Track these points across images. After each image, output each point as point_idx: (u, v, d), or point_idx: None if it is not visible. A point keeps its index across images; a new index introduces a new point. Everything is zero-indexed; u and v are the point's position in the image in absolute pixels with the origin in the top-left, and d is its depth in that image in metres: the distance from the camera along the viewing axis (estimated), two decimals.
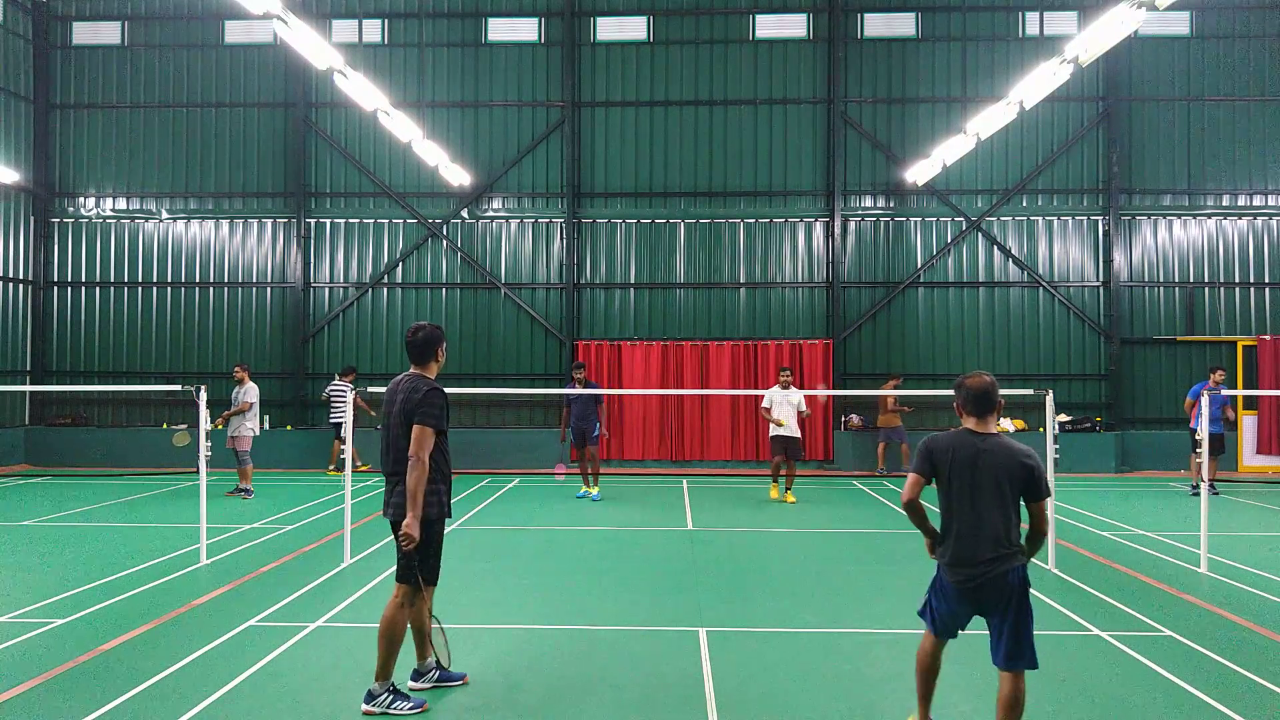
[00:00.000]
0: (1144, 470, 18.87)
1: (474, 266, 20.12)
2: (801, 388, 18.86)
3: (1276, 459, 18.83)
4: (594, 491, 14.58)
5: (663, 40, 20.20)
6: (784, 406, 14.48)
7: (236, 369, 15.16)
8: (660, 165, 20.15)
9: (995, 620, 4.61)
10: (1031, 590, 4.69)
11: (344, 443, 17.42)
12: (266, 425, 18.58)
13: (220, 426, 14.46)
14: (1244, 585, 8.72)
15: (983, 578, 4.58)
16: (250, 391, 14.77)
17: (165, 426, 19.89)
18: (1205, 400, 9.56)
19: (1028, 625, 4.57)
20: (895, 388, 18.31)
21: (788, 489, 14.55)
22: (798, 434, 14.56)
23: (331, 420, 18.23)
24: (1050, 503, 9.44)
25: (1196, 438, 14.42)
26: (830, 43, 19.89)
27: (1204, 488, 9.55)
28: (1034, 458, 4.58)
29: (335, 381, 18.15)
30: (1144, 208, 19.72)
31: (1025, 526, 4.76)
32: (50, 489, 15.70)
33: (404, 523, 5.34)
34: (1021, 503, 4.64)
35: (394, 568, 5.77)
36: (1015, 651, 4.55)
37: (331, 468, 18.16)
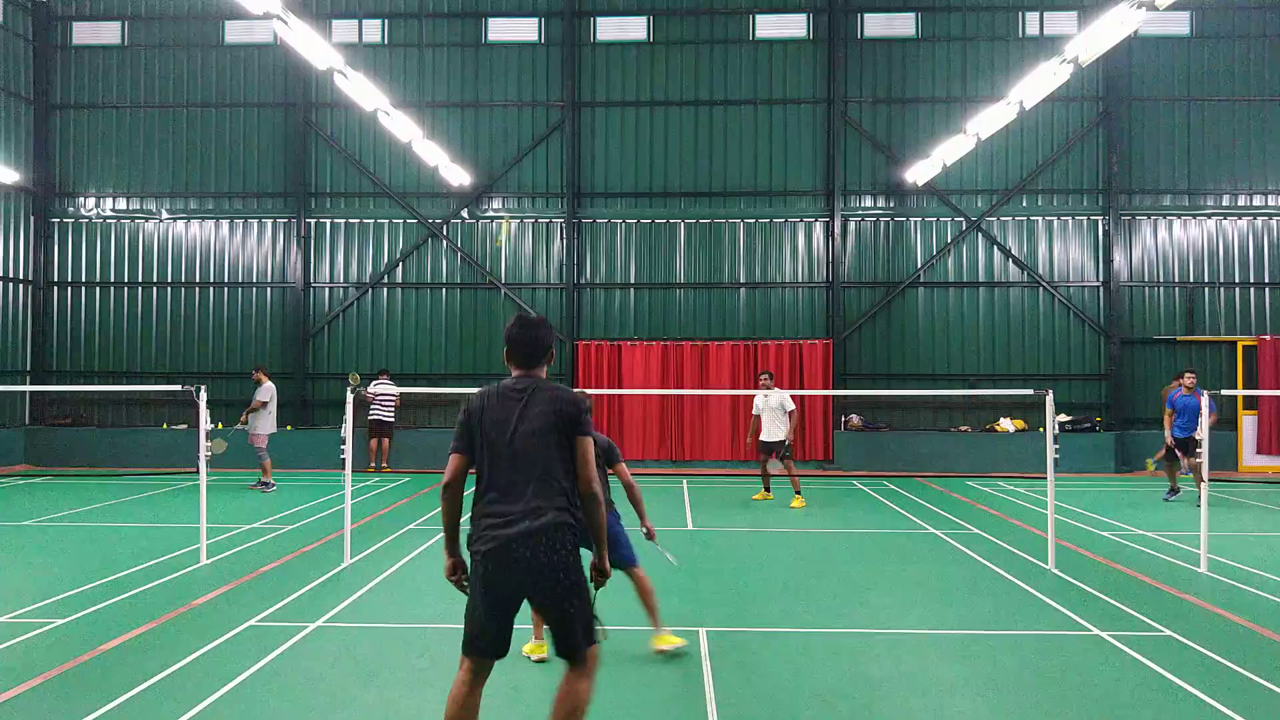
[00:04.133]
0: (1144, 470, 18.85)
1: (474, 266, 20.12)
2: (802, 388, 18.89)
3: (1276, 459, 18.83)
4: None
5: (663, 40, 20.20)
6: (766, 412, 13.99)
7: (255, 372, 15.86)
8: (660, 165, 20.16)
9: None
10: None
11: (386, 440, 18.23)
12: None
13: (243, 425, 15.40)
14: (1244, 585, 8.71)
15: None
16: (264, 390, 15.42)
17: (165, 426, 19.91)
18: (1205, 400, 9.54)
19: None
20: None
21: (765, 488, 14.40)
22: (778, 437, 13.80)
23: (375, 418, 18.18)
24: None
25: (1168, 444, 14.14)
26: (830, 43, 19.89)
27: (1203, 488, 9.53)
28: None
29: (383, 381, 18.05)
30: (1144, 208, 19.72)
31: None
32: (50, 489, 15.69)
33: (594, 562, 4.41)
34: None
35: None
36: None
37: (385, 465, 18.28)
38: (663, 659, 6.42)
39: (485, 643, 4.21)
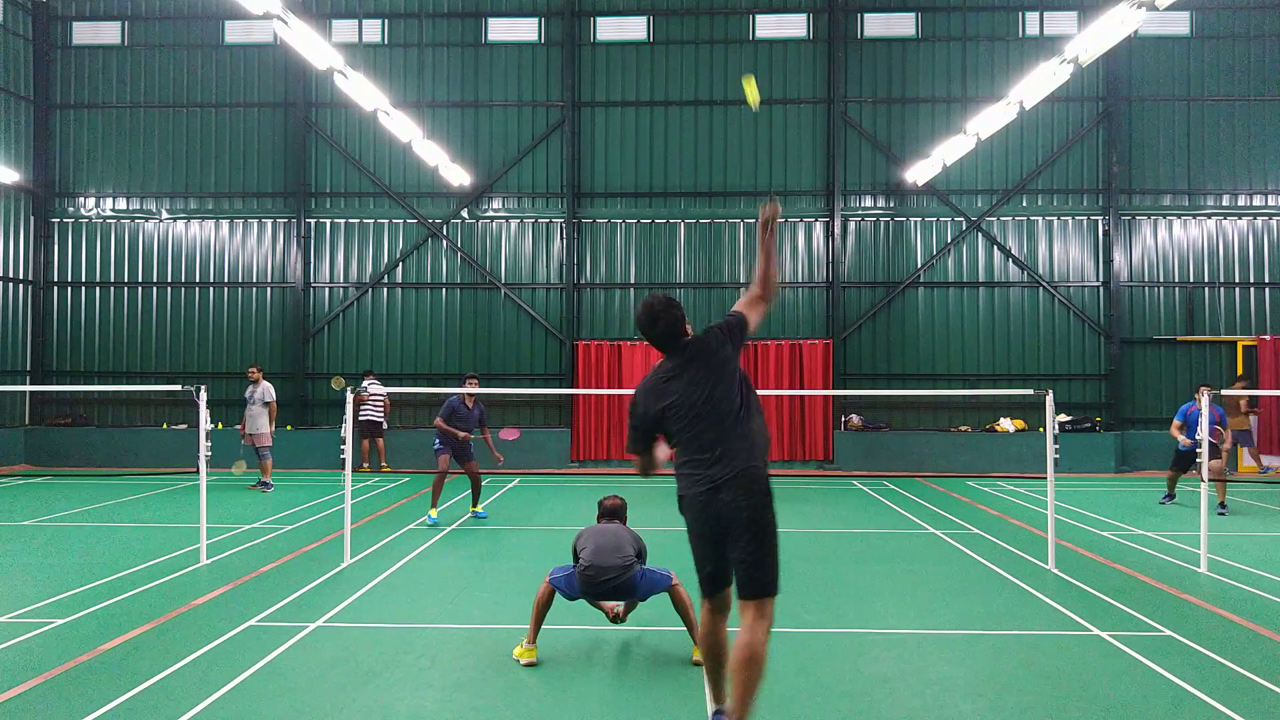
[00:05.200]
0: (1144, 470, 18.87)
1: (474, 266, 20.12)
2: (802, 388, 18.90)
3: (1277, 459, 18.82)
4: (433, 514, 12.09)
5: (663, 40, 20.20)
6: None
7: (251, 369, 15.98)
8: (660, 165, 20.16)
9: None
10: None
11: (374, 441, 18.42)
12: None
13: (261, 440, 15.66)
14: (1244, 585, 8.71)
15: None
16: (269, 390, 15.71)
17: (165, 426, 19.93)
18: (1205, 401, 9.54)
19: None
20: (1244, 387, 17.26)
21: None
22: None
23: (365, 419, 18.22)
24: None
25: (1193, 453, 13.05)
26: (830, 43, 19.90)
27: (1203, 488, 9.52)
28: None
29: (370, 382, 18.08)
30: (1144, 208, 19.73)
31: None
32: (50, 489, 15.69)
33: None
34: None
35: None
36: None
37: (385, 465, 18.37)
38: (663, 660, 6.43)
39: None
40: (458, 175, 18.62)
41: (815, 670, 6.22)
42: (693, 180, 20.13)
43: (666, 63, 20.21)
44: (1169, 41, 19.79)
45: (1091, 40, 11.52)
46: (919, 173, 18.65)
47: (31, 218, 20.50)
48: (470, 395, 12.09)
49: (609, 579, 6.37)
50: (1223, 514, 12.99)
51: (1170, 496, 14.23)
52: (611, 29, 20.31)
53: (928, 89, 19.98)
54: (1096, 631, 7.12)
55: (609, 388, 19.28)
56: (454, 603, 8.05)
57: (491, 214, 20.26)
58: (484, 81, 20.30)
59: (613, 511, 7.02)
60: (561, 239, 20.11)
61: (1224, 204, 19.70)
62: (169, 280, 20.48)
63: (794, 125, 20.07)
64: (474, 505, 12.50)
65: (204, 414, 9.46)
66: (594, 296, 20.12)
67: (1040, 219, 19.89)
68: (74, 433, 19.84)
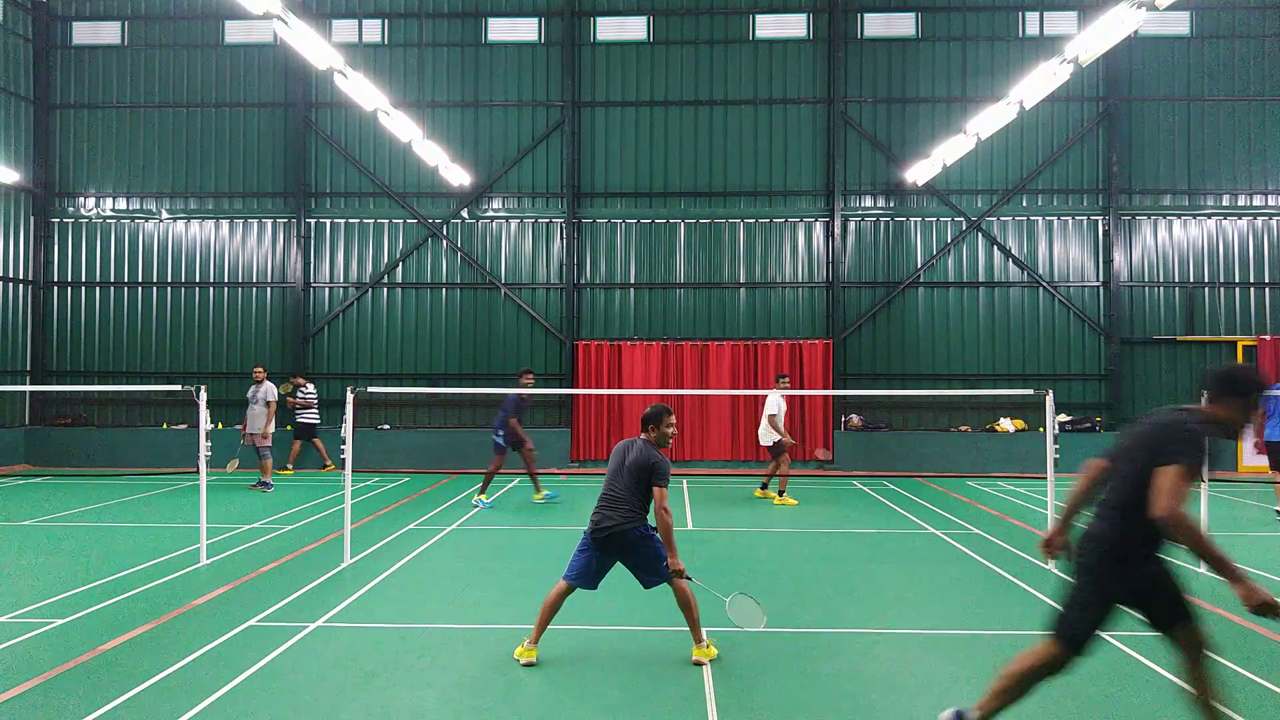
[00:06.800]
0: None
1: (474, 266, 20.12)
2: (802, 388, 18.91)
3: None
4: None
5: (663, 40, 20.20)
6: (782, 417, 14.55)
7: (256, 369, 16.33)
8: (660, 165, 20.15)
9: None
10: None
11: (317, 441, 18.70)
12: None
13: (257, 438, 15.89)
14: None
15: None
16: (271, 390, 15.93)
17: (165, 426, 19.93)
18: (1204, 402, 9.44)
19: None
20: None
21: (781, 490, 14.43)
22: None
23: (303, 421, 18.47)
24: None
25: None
26: (830, 43, 19.89)
27: (1203, 486, 9.48)
28: None
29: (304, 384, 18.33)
30: (1144, 208, 19.72)
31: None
32: (50, 489, 15.70)
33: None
34: None
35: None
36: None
37: (328, 464, 18.47)
38: (663, 660, 6.43)
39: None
40: (458, 175, 18.62)
41: (815, 670, 6.22)
42: (693, 180, 20.13)
43: (666, 63, 20.20)
44: (1169, 41, 19.78)
45: (1091, 40, 11.52)
46: (919, 173, 18.65)
47: (31, 218, 20.49)
48: (527, 391, 13.79)
49: (606, 527, 6.37)
50: None
51: None
52: (611, 29, 20.31)
53: (928, 89, 19.98)
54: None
55: (609, 388, 19.28)
56: (454, 603, 8.05)
57: (491, 214, 20.26)
58: (484, 81, 20.30)
59: (642, 423, 6.74)
60: (561, 239, 20.11)
61: (1224, 204, 19.70)
62: (169, 280, 20.48)
63: (794, 125, 20.07)
64: (538, 491, 14.19)
65: (204, 414, 9.47)
66: (594, 296, 20.12)
67: (1040, 219, 19.88)
68: (74, 433, 19.84)
